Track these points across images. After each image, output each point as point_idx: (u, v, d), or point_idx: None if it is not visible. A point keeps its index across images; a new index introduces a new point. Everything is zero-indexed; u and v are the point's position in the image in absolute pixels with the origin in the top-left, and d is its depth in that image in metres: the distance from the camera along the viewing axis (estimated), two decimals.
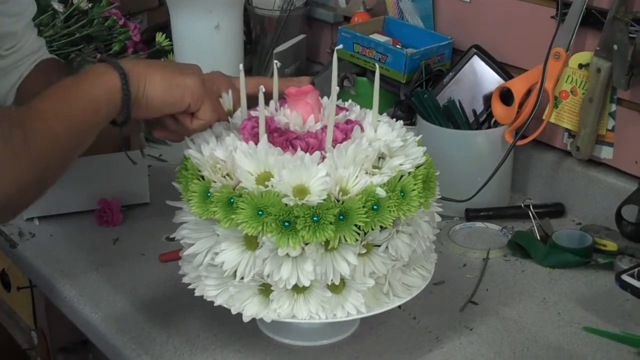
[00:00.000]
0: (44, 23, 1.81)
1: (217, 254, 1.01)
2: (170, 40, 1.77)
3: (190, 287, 1.06)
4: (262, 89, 1.00)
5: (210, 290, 1.03)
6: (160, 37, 1.88)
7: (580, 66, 1.37)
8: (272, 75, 1.11)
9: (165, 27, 1.77)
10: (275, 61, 1.09)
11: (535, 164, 1.49)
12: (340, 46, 1.08)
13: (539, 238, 1.33)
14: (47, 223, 1.43)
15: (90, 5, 1.85)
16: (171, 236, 1.10)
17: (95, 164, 1.43)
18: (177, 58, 1.73)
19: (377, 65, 1.04)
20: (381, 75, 1.52)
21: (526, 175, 1.50)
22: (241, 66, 1.05)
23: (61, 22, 1.82)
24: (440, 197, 1.11)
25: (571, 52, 1.38)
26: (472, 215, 1.43)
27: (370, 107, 1.08)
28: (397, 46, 1.60)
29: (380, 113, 1.48)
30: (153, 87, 1.03)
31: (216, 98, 1.08)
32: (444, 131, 1.42)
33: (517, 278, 1.28)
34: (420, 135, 1.10)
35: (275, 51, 1.74)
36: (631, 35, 1.26)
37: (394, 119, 1.10)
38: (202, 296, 1.04)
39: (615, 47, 1.28)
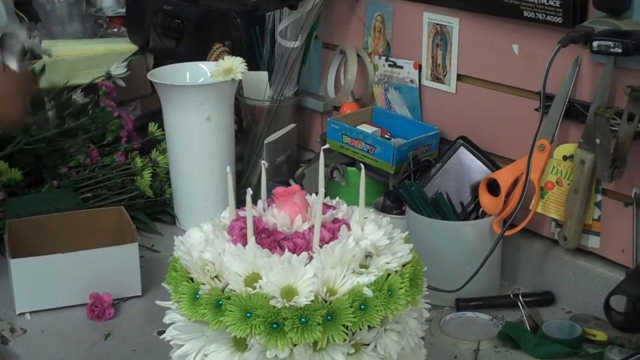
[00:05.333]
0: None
1: (206, 355, 1.01)
2: (163, 129, 1.80)
3: None
4: (250, 191, 1.02)
5: None
6: (152, 127, 1.91)
7: (565, 158, 1.40)
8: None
9: (159, 114, 1.81)
10: (263, 162, 1.11)
11: (524, 252, 1.50)
12: (327, 146, 1.10)
13: (528, 328, 1.34)
14: (39, 318, 1.44)
15: (86, 99, 1.89)
16: (160, 334, 1.10)
17: (87, 258, 1.45)
18: (169, 147, 1.76)
19: (362, 167, 1.06)
20: (370, 166, 1.55)
21: (515, 263, 1.51)
22: (228, 168, 1.06)
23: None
24: (428, 291, 1.11)
25: (555, 144, 1.40)
26: (462, 305, 1.43)
27: None
28: (386, 136, 1.63)
29: (370, 202, 1.52)
30: None
31: None
32: (433, 222, 1.44)
33: None
34: (407, 232, 1.11)
35: (266, 141, 1.76)
36: (613, 128, 1.29)
37: (382, 211, 1.11)
38: None
39: (598, 141, 1.30)
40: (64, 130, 1.83)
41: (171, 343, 1.06)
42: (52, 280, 1.44)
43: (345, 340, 0.99)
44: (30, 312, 1.44)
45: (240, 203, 1.08)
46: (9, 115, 1.56)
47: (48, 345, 1.36)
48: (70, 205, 1.64)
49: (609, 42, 1.24)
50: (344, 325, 0.98)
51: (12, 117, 1.56)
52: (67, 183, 1.73)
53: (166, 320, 1.07)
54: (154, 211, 1.80)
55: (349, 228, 1.06)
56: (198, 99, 1.67)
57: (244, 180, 1.86)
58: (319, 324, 0.97)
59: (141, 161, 1.82)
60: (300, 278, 0.98)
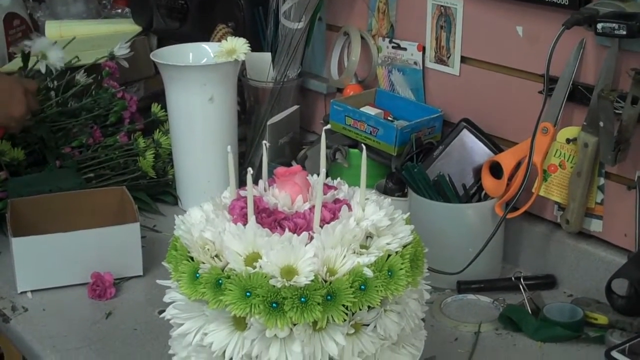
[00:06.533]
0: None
1: (206, 334, 1.01)
2: (166, 110, 1.80)
3: None
4: (250, 171, 1.01)
5: None
6: (155, 107, 1.91)
7: (568, 141, 1.39)
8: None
9: (162, 95, 1.80)
10: (264, 142, 1.11)
11: (526, 235, 1.50)
12: (328, 126, 1.09)
13: (530, 311, 1.34)
14: (40, 296, 1.44)
15: (89, 79, 1.88)
16: (161, 313, 1.10)
17: (89, 238, 1.45)
18: (171, 128, 1.76)
19: (364, 148, 1.05)
20: (372, 148, 1.55)
21: (517, 246, 1.51)
22: (229, 148, 1.06)
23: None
24: (429, 272, 1.11)
25: (559, 127, 1.40)
26: (463, 287, 1.43)
27: None
28: (389, 118, 1.62)
29: (373, 184, 1.52)
30: None
31: None
32: (435, 204, 1.43)
33: (508, 353, 1.28)
34: (408, 213, 1.11)
35: (268, 123, 1.76)
36: (616, 111, 1.28)
37: (385, 193, 1.11)
38: None
39: (602, 124, 1.29)
40: (66, 110, 1.83)
41: (171, 322, 1.06)
42: (53, 259, 1.44)
43: (345, 320, 0.99)
44: (32, 291, 1.45)
45: (242, 184, 1.08)
46: (10, 114, 1.57)
47: (49, 323, 1.36)
48: (73, 185, 1.64)
49: (614, 24, 1.23)
50: (343, 305, 0.98)
51: (14, 115, 1.57)
52: (70, 163, 1.73)
53: (166, 299, 1.07)
54: (156, 192, 1.80)
55: (350, 208, 1.06)
56: (201, 80, 1.66)
57: (246, 162, 1.85)
58: (318, 303, 0.96)
59: (144, 142, 1.82)
60: (301, 258, 0.98)
